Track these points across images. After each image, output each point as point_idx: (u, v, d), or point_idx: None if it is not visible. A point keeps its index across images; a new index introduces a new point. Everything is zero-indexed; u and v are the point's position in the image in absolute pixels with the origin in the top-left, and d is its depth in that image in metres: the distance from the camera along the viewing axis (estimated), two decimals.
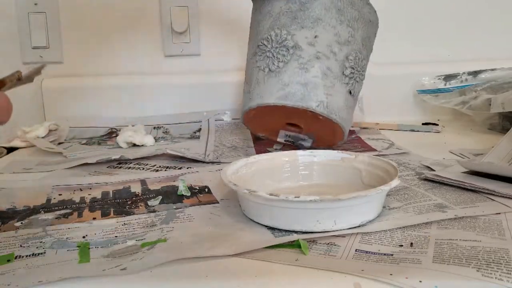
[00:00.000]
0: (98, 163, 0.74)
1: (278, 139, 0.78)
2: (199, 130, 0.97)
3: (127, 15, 1.06)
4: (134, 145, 0.85)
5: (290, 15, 0.70)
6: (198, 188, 0.60)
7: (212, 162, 0.74)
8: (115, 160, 0.75)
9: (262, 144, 0.83)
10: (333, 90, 0.69)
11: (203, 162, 0.74)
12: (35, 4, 1.03)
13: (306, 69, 0.68)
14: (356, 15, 0.71)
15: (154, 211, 0.53)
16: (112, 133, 0.96)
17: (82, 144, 0.89)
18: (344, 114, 0.71)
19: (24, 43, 1.04)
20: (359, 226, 0.45)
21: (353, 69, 0.71)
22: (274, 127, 0.77)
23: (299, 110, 0.68)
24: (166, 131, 0.98)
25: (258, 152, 0.77)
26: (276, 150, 0.79)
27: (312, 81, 0.68)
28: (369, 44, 0.76)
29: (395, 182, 0.46)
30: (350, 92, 0.72)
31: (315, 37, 0.69)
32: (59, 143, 0.90)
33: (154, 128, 0.99)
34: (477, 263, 0.37)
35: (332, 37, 0.69)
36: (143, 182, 0.64)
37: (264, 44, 0.70)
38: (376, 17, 0.75)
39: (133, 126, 0.92)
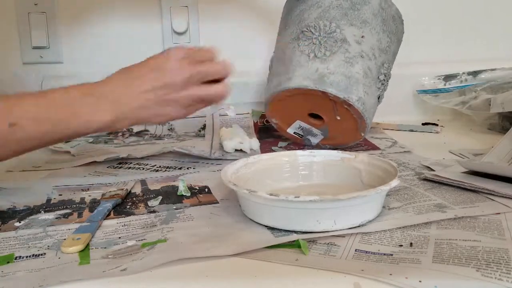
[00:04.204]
0: (101, 162, 0.74)
1: (289, 129, 0.78)
2: (204, 127, 0.97)
3: (127, 15, 1.06)
4: (241, 150, 0.78)
5: (341, 10, 0.73)
6: (198, 188, 0.60)
7: (217, 159, 0.74)
8: (122, 158, 0.75)
9: (267, 143, 0.84)
10: (370, 90, 0.72)
11: (209, 159, 0.74)
12: (35, 4, 1.03)
13: (351, 64, 0.72)
14: (394, 29, 0.77)
15: (154, 212, 0.53)
16: (117, 132, 0.96)
17: (89, 142, 0.90)
18: (371, 116, 0.75)
19: (24, 43, 1.04)
20: (359, 226, 0.45)
21: (385, 76, 0.75)
22: (292, 114, 0.78)
23: (327, 102, 0.71)
24: (171, 128, 0.98)
25: (263, 150, 0.77)
26: (280, 148, 0.79)
27: (355, 76, 0.71)
28: (394, 59, 0.81)
29: (394, 182, 0.46)
30: (378, 98, 0.76)
31: (362, 37, 0.73)
32: (66, 142, 0.90)
33: (159, 124, 0.99)
34: (477, 263, 0.37)
35: (375, 42, 0.74)
36: (143, 182, 0.64)
37: (311, 32, 0.73)
38: (402, 38, 0.81)
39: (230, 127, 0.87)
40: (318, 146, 0.79)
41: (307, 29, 0.73)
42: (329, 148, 0.76)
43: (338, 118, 0.73)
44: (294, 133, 0.79)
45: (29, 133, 0.50)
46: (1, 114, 0.48)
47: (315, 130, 0.77)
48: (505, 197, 0.52)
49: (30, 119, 0.50)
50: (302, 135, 0.79)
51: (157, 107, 0.58)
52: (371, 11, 0.75)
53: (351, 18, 0.73)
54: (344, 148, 0.76)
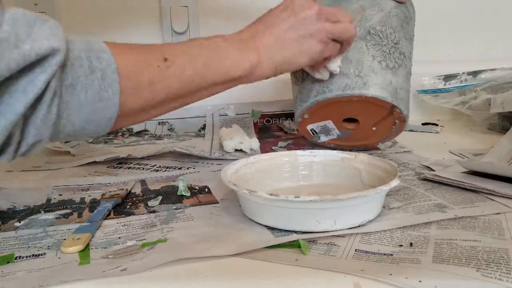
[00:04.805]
0: (101, 162, 0.74)
1: (310, 125, 0.75)
2: (204, 127, 0.97)
3: (127, 15, 1.06)
4: (241, 150, 0.78)
5: (399, 21, 0.71)
6: (198, 188, 0.60)
7: (217, 159, 0.74)
8: (122, 158, 0.75)
9: (267, 143, 0.84)
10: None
11: (209, 159, 0.74)
12: (35, 4, 1.03)
13: (408, 80, 0.71)
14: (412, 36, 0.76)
15: (154, 212, 0.53)
16: (117, 132, 0.96)
17: (89, 142, 0.90)
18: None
19: None
20: (359, 226, 0.45)
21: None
22: (329, 115, 0.73)
23: (381, 112, 0.70)
24: (171, 128, 0.98)
25: (263, 150, 0.77)
26: (280, 148, 0.79)
27: (409, 93, 0.72)
28: None
29: (394, 182, 0.46)
30: None
31: (410, 53, 0.72)
32: (66, 142, 0.90)
33: (159, 124, 0.99)
34: (477, 263, 0.37)
35: (411, 58, 0.73)
36: (143, 182, 0.64)
37: (379, 36, 0.68)
38: None
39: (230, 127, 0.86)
40: (320, 145, 0.79)
41: (374, 32, 0.68)
42: (332, 148, 0.75)
43: (374, 129, 0.73)
44: (311, 129, 0.76)
45: (182, 70, 0.49)
46: (155, 50, 0.48)
47: (335, 131, 0.75)
48: (505, 197, 0.52)
49: (183, 56, 0.49)
50: (316, 132, 0.77)
51: (297, 44, 0.58)
52: (412, 27, 0.74)
53: (406, 31, 0.71)
54: (344, 148, 0.76)
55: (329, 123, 0.74)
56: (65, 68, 0.39)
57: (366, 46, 0.68)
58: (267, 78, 0.58)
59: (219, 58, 0.52)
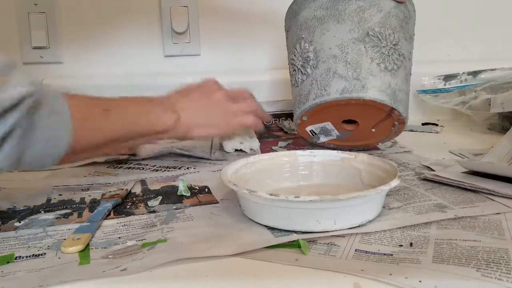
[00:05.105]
0: (101, 162, 0.74)
1: (309, 127, 0.75)
2: None
3: (127, 15, 1.06)
4: (241, 150, 0.78)
5: (399, 22, 0.70)
6: (198, 188, 0.60)
7: (218, 160, 0.74)
8: (122, 158, 0.75)
9: (267, 143, 0.84)
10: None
11: (209, 159, 0.74)
12: (35, 4, 1.03)
13: (407, 81, 0.71)
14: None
15: (154, 212, 0.53)
16: None
17: None
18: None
19: (24, 43, 1.04)
20: (359, 226, 0.45)
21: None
22: (327, 117, 0.73)
23: (379, 114, 0.69)
24: None
25: (263, 150, 0.77)
26: (280, 148, 0.79)
27: (409, 94, 0.72)
28: None
29: (394, 182, 0.46)
30: None
31: (410, 53, 0.71)
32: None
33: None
34: (477, 263, 0.37)
35: (411, 59, 0.73)
36: (143, 182, 0.64)
37: (378, 37, 0.67)
38: None
39: None
40: (320, 145, 0.79)
41: (373, 33, 0.67)
42: (332, 148, 0.75)
43: (373, 130, 0.72)
44: (311, 130, 0.76)
45: (118, 119, 0.57)
46: (97, 103, 0.56)
47: (335, 132, 0.75)
48: (505, 197, 0.52)
49: (118, 109, 0.58)
50: (316, 133, 0.76)
51: (208, 116, 0.68)
52: (412, 27, 0.73)
53: (405, 31, 0.70)
54: (344, 148, 0.76)
55: (328, 125, 0.74)
56: (32, 110, 0.45)
57: (365, 48, 0.67)
58: (185, 135, 0.66)
59: (147, 113, 0.61)
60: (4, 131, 0.42)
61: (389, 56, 0.68)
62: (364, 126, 0.73)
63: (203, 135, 0.69)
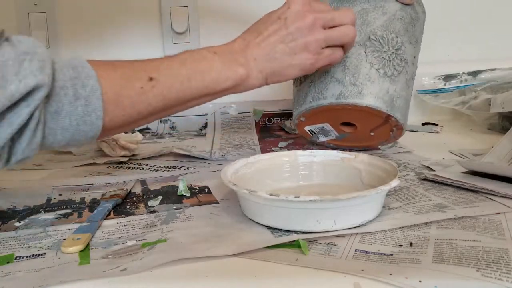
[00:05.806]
0: (101, 163, 0.74)
1: (307, 127, 0.75)
2: (205, 125, 0.97)
3: (127, 15, 1.06)
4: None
5: (404, 25, 0.68)
6: (198, 188, 0.60)
7: (218, 160, 0.74)
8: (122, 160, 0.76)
9: (267, 143, 0.84)
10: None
11: (209, 160, 0.74)
12: (35, 4, 1.03)
13: (408, 86, 0.70)
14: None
15: (154, 212, 0.53)
16: None
17: None
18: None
19: None
20: (359, 226, 0.45)
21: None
22: (325, 118, 0.73)
23: (377, 120, 0.69)
24: (172, 126, 0.98)
25: (264, 150, 0.77)
26: (280, 149, 0.79)
27: (409, 100, 0.70)
28: None
29: (394, 182, 0.46)
30: None
31: (414, 57, 0.70)
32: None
33: (161, 121, 0.99)
34: (477, 263, 0.37)
35: (416, 62, 0.72)
36: (143, 182, 0.64)
37: (379, 42, 0.66)
38: None
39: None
40: (320, 145, 0.79)
41: (375, 38, 0.66)
42: (332, 148, 0.75)
43: (372, 134, 0.72)
44: (309, 130, 0.76)
45: (167, 87, 0.51)
46: (140, 69, 0.50)
47: (333, 133, 0.75)
48: (505, 197, 0.52)
49: (168, 73, 0.51)
50: (315, 133, 0.76)
51: (287, 56, 0.58)
52: (421, 27, 0.71)
53: (410, 35, 0.69)
54: (344, 148, 0.76)
55: (327, 126, 0.74)
56: (50, 98, 0.43)
57: (365, 52, 0.66)
58: (257, 87, 0.59)
59: (204, 72, 0.54)
60: (19, 122, 0.40)
61: (389, 61, 0.66)
62: (362, 129, 0.72)
63: (281, 81, 0.61)
